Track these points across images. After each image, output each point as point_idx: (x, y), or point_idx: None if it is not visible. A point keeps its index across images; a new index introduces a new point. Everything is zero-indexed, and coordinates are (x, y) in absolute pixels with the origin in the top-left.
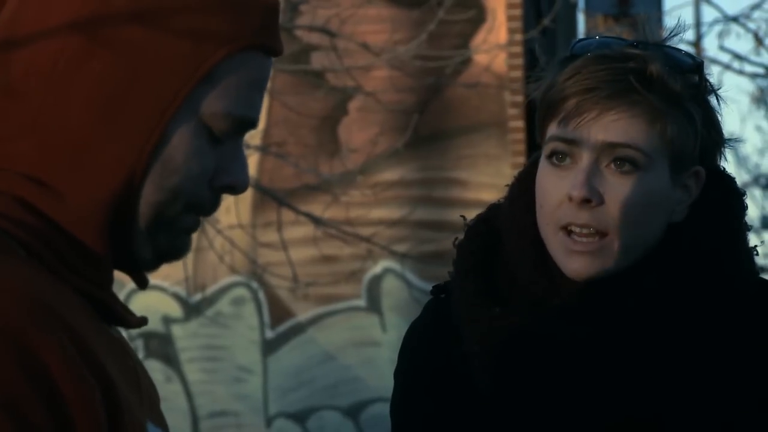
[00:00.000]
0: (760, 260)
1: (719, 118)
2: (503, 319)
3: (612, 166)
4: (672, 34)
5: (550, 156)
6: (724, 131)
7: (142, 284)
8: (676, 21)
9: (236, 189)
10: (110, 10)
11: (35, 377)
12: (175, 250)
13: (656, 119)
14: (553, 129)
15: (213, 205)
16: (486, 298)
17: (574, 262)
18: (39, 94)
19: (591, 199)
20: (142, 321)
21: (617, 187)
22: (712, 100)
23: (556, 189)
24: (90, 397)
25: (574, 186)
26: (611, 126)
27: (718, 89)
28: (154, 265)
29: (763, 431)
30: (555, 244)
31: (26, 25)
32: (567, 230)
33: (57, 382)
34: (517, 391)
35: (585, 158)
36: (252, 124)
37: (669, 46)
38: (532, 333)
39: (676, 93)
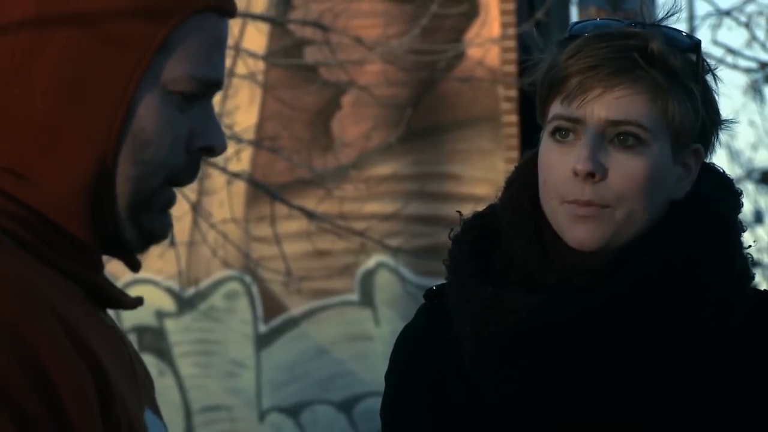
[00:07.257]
0: (753, 255)
1: (716, 98)
2: (495, 298)
3: (615, 141)
4: (668, 14)
5: (553, 133)
6: (721, 112)
7: (135, 267)
8: (672, 2)
9: (214, 150)
10: None
11: (28, 366)
12: (157, 230)
13: (658, 95)
14: (556, 108)
15: (191, 172)
16: (479, 279)
17: (579, 230)
18: (1, 89)
19: (596, 172)
20: (138, 301)
21: (620, 162)
22: (710, 80)
23: (560, 164)
24: (82, 384)
25: (578, 160)
26: (614, 103)
27: (715, 69)
28: (142, 247)
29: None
30: (559, 215)
31: None
32: (570, 203)
33: (49, 370)
34: (508, 374)
35: (589, 134)
36: (216, 84)
37: (667, 26)
38: (524, 311)
39: (676, 70)
